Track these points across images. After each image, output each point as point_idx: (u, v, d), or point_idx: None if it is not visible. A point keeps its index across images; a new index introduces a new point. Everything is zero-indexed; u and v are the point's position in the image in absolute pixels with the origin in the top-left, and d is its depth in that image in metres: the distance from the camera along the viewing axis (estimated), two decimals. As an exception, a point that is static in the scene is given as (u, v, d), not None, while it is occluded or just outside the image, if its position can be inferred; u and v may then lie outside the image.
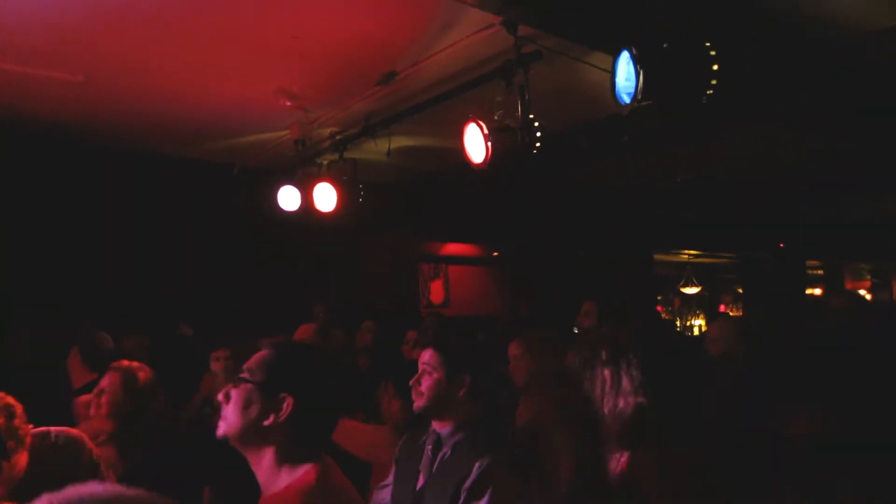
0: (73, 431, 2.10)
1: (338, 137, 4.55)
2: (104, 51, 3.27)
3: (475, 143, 3.26)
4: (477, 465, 1.88)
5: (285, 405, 1.41)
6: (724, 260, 11.08)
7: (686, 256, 10.77)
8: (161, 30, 3.07)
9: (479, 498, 1.83)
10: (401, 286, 6.91)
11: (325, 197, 4.45)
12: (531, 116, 3.19)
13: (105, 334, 3.40)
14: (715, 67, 2.58)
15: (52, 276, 4.55)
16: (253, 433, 1.41)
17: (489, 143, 3.19)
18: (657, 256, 9.65)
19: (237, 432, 1.42)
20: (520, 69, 3.18)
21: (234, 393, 1.44)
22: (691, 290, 11.46)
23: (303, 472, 1.39)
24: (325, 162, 4.71)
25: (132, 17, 2.91)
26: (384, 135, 4.40)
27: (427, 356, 2.10)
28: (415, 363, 2.16)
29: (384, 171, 5.30)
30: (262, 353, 1.48)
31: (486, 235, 7.40)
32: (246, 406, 1.42)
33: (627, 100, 2.69)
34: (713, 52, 2.56)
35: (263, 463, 1.43)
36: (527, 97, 3.19)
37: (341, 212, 4.56)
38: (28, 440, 1.82)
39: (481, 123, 3.22)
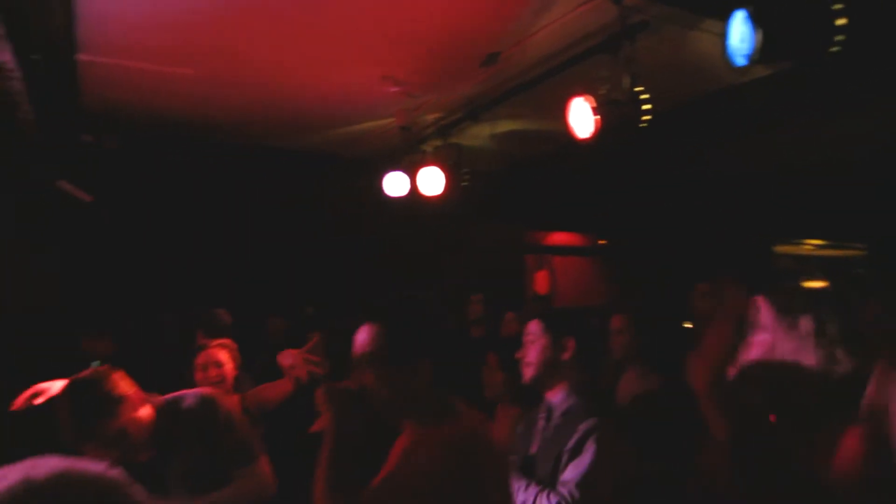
0: (207, 391, 2.28)
1: (442, 123, 4.62)
2: (214, 44, 3.45)
3: (581, 118, 3.22)
4: (582, 426, 1.88)
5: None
6: (855, 252, 10.30)
7: (810, 248, 10.10)
8: (268, 21, 3.19)
9: (580, 454, 1.84)
10: (506, 276, 6.91)
11: (431, 181, 4.51)
12: (638, 89, 3.11)
13: (223, 311, 3.69)
14: (841, 21, 2.42)
15: (171, 267, 4.88)
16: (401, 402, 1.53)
17: (596, 117, 3.14)
18: (779, 248, 9.10)
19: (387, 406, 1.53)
20: (626, 41, 3.11)
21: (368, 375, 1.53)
22: (816, 285, 10.75)
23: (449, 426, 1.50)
24: (429, 148, 4.78)
25: (240, 7, 3.03)
26: (488, 119, 4.42)
27: (531, 326, 2.14)
28: (515, 339, 2.22)
29: (488, 157, 5.32)
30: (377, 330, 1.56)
31: (592, 224, 7.26)
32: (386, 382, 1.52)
33: (743, 62, 2.57)
34: (839, 5, 2.39)
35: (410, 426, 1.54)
36: (633, 69, 3.12)
37: (446, 198, 4.62)
38: (126, 403, 1.96)
39: (589, 96, 3.17)
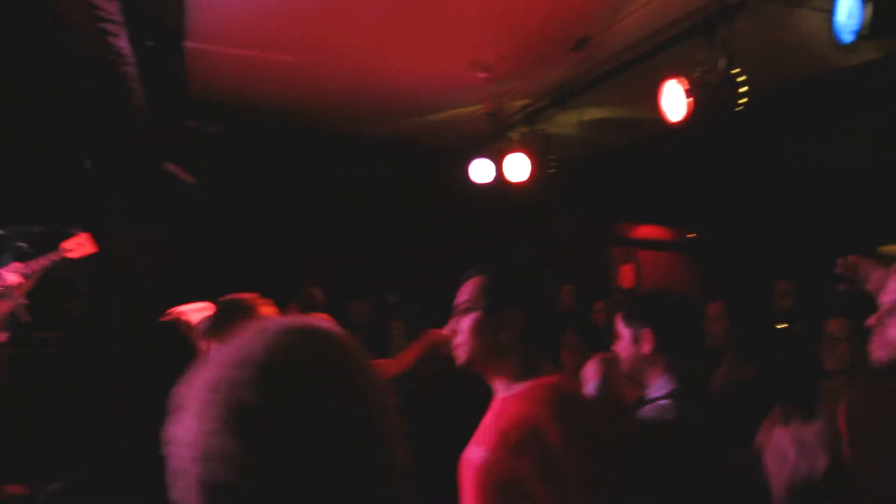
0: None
1: (529, 110, 4.62)
2: (313, 31, 3.58)
3: (673, 101, 3.15)
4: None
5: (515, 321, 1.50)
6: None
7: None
8: (364, 7, 3.29)
9: None
10: (591, 269, 6.81)
11: (518, 167, 4.52)
12: (735, 71, 3.02)
13: (317, 290, 3.85)
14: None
15: (262, 247, 5.07)
16: (490, 354, 1.52)
17: (689, 99, 3.06)
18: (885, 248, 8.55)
19: (475, 357, 1.53)
20: (722, 22, 3.02)
21: (462, 323, 1.55)
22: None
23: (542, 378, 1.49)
24: (516, 135, 4.79)
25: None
26: (576, 105, 4.38)
27: (616, 321, 2.09)
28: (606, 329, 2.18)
29: (575, 146, 5.27)
30: (475, 281, 1.57)
31: (681, 217, 7.06)
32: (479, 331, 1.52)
33: (850, 38, 2.45)
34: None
35: (500, 382, 1.53)
36: (730, 51, 3.03)
37: (532, 186, 4.62)
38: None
39: (682, 79, 3.10)
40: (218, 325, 2.23)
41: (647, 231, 7.37)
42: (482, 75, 4.05)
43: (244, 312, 2.19)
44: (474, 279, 1.56)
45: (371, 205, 5.54)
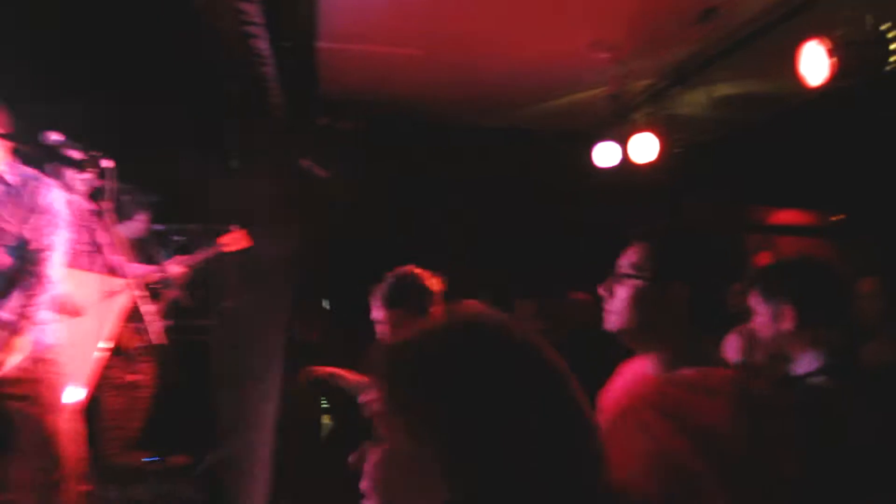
0: None
1: (653, 90, 4.49)
2: (438, 22, 3.68)
3: (814, 63, 2.96)
4: None
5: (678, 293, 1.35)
6: None
7: None
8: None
9: None
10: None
11: (644, 147, 4.40)
12: (885, 27, 2.80)
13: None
14: None
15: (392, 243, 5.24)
16: (648, 329, 1.40)
17: (832, 59, 2.87)
18: None
19: (631, 328, 1.41)
20: (869, -26, 2.82)
21: (621, 289, 1.42)
22: None
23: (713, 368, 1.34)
24: (639, 117, 4.67)
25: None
26: (703, 82, 4.23)
27: (751, 299, 1.97)
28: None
29: (703, 125, 5.07)
30: (642, 247, 1.44)
31: (825, 199, 6.57)
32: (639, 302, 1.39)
33: None
34: None
35: (657, 360, 1.40)
36: (879, 6, 2.81)
37: (660, 169, 4.49)
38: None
39: (823, 39, 2.91)
40: (394, 298, 2.41)
41: (786, 216, 6.93)
42: (604, 56, 4.00)
43: (417, 286, 2.37)
44: (640, 244, 1.43)
45: (494, 196, 5.59)
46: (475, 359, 0.75)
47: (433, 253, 5.01)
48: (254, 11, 2.92)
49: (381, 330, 2.60)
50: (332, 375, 3.43)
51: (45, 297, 2.74)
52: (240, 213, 4.31)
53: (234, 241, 4.00)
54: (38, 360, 2.75)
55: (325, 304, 5.70)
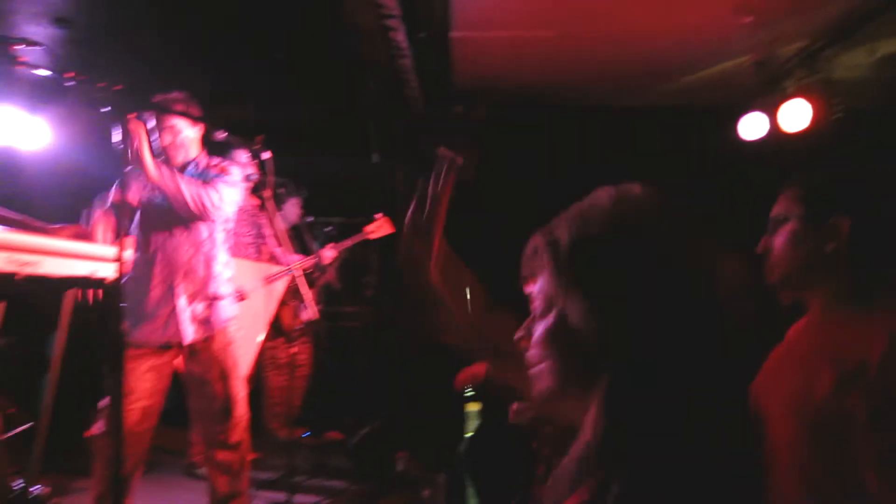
0: None
1: (805, 53, 4.18)
2: (568, 1, 3.65)
3: None
4: None
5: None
6: None
7: None
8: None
9: None
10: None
11: (796, 115, 4.11)
12: None
13: None
14: None
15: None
16: (808, 270, 1.33)
17: None
18: None
19: (791, 273, 1.35)
20: None
21: (776, 238, 1.37)
22: None
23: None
24: (790, 84, 4.37)
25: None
26: (863, 41, 3.88)
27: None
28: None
29: (866, 89, 4.65)
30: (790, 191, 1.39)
31: None
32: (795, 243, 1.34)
33: None
34: None
35: (822, 305, 1.33)
36: None
37: (814, 140, 4.18)
38: None
39: None
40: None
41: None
42: (749, 20, 3.78)
43: None
44: (790, 189, 1.39)
45: (635, 179, 5.45)
46: (651, 239, 0.78)
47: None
48: (392, 4, 3.06)
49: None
50: (486, 376, 3.54)
51: (223, 273, 3.07)
52: (382, 202, 4.52)
53: (379, 228, 4.22)
54: (217, 331, 3.06)
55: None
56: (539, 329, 0.83)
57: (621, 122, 5.38)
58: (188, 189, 2.88)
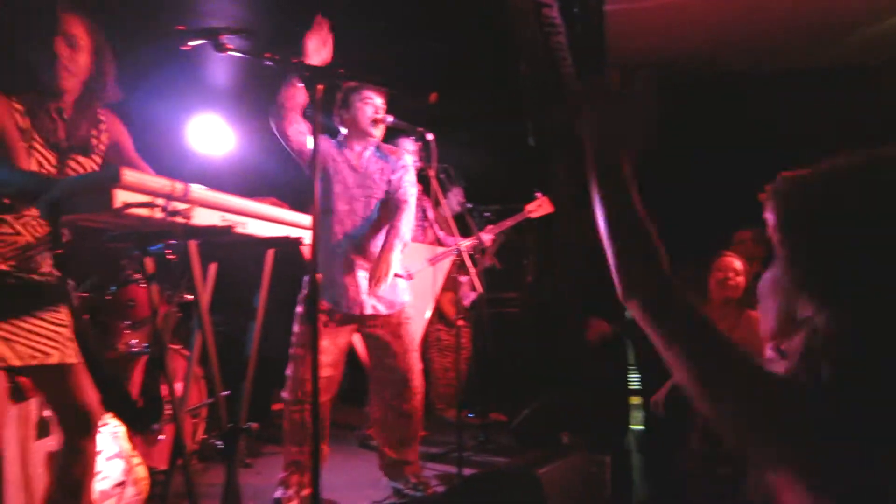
0: None
1: None
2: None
3: None
4: None
5: None
6: None
7: None
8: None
9: None
10: None
11: None
12: None
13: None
14: None
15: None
16: None
17: None
18: None
19: None
20: None
21: None
22: None
23: None
24: None
25: None
26: None
27: None
28: None
29: None
30: None
31: None
32: None
33: None
34: None
35: None
36: None
37: None
38: None
39: None
40: None
41: None
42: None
43: None
44: None
45: (799, 147, 5.04)
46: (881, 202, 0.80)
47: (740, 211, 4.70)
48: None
49: None
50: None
51: (401, 247, 3.25)
52: (540, 185, 4.53)
53: (539, 207, 4.25)
54: (396, 308, 3.24)
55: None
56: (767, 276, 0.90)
57: (790, 87, 5.01)
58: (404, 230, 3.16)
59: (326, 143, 3.20)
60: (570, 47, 3.88)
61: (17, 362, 1.94)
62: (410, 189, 3.24)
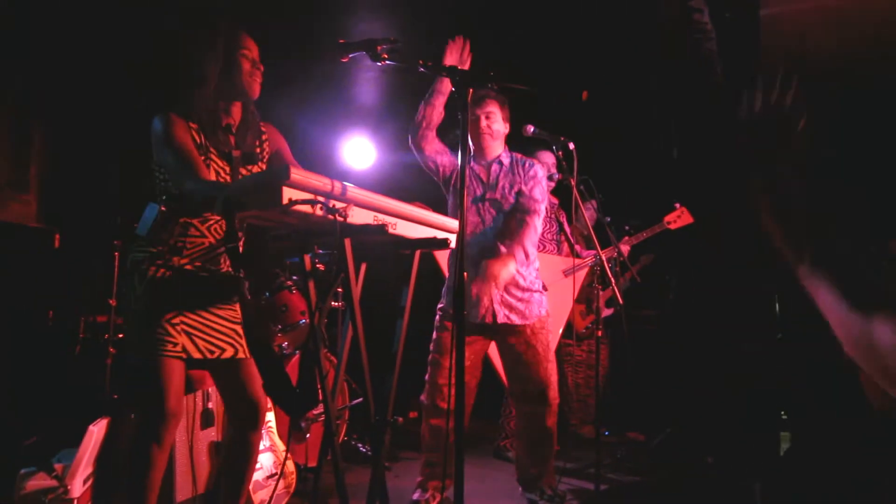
0: None
1: None
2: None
3: None
4: None
5: None
6: None
7: None
8: None
9: None
10: None
11: None
12: None
13: None
14: None
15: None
16: None
17: None
18: None
19: None
20: None
21: None
22: None
23: None
24: None
25: None
26: None
27: None
28: None
29: None
30: None
31: None
32: None
33: None
34: None
35: None
36: None
37: None
38: None
39: None
40: None
41: None
42: None
43: None
44: None
45: None
46: None
47: None
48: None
49: None
50: None
51: (533, 266, 3.24)
52: (684, 202, 4.36)
53: (679, 218, 4.10)
54: (534, 321, 3.23)
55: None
56: None
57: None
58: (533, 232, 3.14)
59: (455, 157, 3.27)
60: (722, 54, 3.72)
61: (197, 355, 2.13)
62: (538, 199, 3.20)
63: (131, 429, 2.74)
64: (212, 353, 2.16)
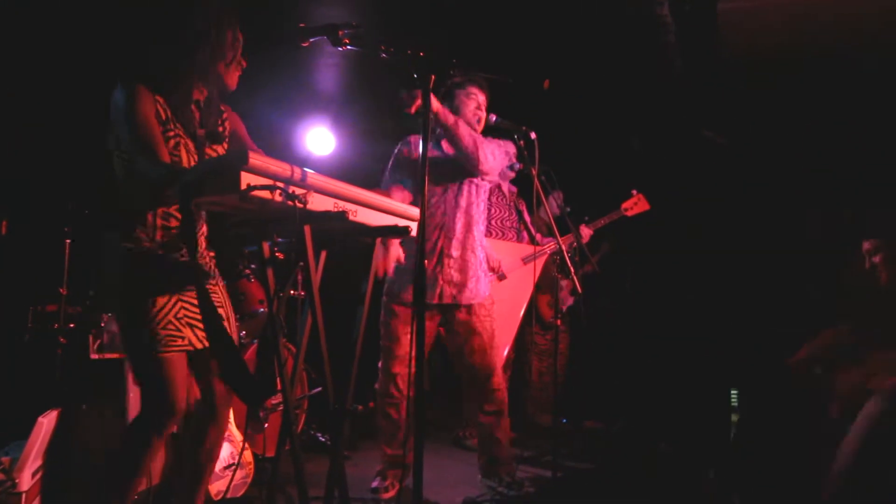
0: None
1: None
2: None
3: None
4: None
5: None
6: None
7: None
8: None
9: None
10: None
11: None
12: None
13: None
14: None
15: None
16: None
17: None
18: None
19: None
20: None
21: None
22: None
23: None
24: None
25: None
26: None
27: None
28: None
29: None
30: None
31: None
32: None
33: None
34: None
35: None
36: None
37: None
38: None
39: None
40: None
41: None
42: None
43: None
44: None
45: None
46: None
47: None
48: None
49: None
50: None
51: (481, 247, 3.25)
52: (644, 187, 4.40)
53: (636, 205, 4.16)
54: (477, 303, 3.23)
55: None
56: None
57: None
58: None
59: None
60: (681, 47, 3.78)
61: (199, 346, 2.07)
62: (493, 166, 3.21)
63: (84, 420, 2.67)
64: (203, 342, 2.10)
